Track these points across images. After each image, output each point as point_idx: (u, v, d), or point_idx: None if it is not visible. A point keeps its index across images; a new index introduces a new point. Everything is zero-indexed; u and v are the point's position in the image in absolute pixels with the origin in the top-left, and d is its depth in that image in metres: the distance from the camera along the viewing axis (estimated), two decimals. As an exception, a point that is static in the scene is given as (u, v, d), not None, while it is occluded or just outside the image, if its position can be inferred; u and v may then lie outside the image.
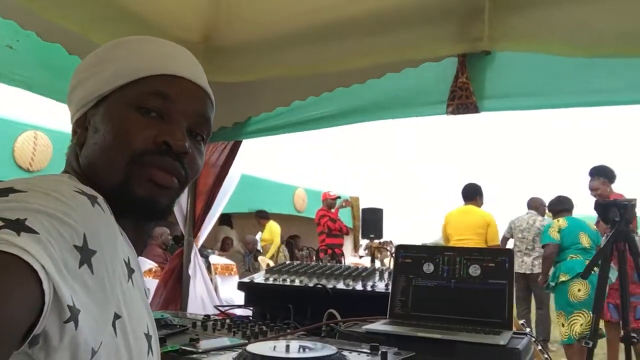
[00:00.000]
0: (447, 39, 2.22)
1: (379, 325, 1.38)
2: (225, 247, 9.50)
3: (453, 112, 2.33)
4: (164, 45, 0.81)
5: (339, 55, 2.40)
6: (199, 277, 2.90)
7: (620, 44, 1.93)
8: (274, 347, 1.05)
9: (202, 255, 8.12)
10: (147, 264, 6.24)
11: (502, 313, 1.42)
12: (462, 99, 2.31)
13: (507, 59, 2.27)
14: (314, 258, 2.04)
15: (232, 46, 2.58)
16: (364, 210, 12.54)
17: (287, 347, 1.06)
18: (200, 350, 1.06)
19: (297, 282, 1.77)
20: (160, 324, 1.39)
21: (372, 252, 14.84)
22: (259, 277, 1.83)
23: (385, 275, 1.84)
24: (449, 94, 2.34)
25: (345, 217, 9.62)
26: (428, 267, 1.55)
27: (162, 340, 1.17)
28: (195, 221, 2.97)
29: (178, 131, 0.74)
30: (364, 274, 1.82)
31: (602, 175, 5.03)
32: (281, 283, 1.76)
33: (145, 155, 0.71)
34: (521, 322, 1.52)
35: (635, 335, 2.10)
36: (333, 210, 7.67)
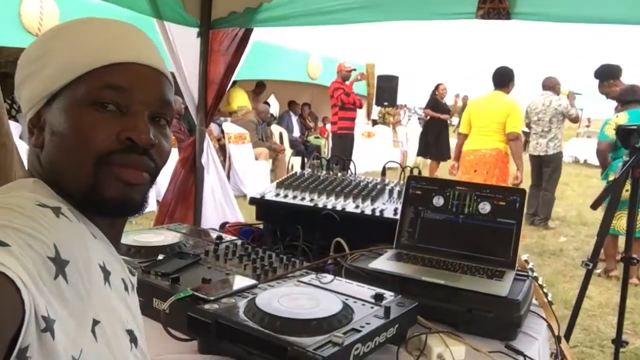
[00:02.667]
0: None
1: (384, 262, 1.42)
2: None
3: (483, 17, 2.17)
4: (107, 29, 0.73)
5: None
6: (212, 167, 2.94)
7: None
8: (283, 298, 1.09)
9: (215, 122, 8.20)
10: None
11: (508, 252, 1.44)
12: (495, 3, 2.13)
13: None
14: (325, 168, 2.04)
15: None
16: (379, 77, 12.33)
17: (295, 298, 1.10)
18: (212, 298, 1.10)
19: (307, 200, 1.79)
20: (175, 251, 1.44)
21: (384, 118, 14.81)
22: (269, 193, 1.84)
23: (395, 193, 1.85)
24: (481, -5, 2.15)
25: (359, 85, 9.45)
26: (438, 201, 1.55)
27: (176, 280, 1.22)
28: (207, 111, 2.93)
29: (140, 123, 0.71)
30: (375, 193, 1.83)
31: (611, 77, 4.72)
32: (291, 201, 1.78)
33: (111, 156, 0.69)
34: (524, 257, 1.55)
35: (635, 256, 2.16)
36: (347, 83, 7.49)
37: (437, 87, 9.50)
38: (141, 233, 1.58)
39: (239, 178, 7.09)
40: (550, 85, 6.40)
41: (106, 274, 0.68)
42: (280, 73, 10.04)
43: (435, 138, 9.31)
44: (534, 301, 1.49)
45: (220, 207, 2.95)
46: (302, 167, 2.13)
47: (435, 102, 9.42)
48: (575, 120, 6.51)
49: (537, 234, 6.21)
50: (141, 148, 0.71)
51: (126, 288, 0.75)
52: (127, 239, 1.50)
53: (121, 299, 0.72)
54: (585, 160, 14.37)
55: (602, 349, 3.20)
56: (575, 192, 9.51)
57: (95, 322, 0.63)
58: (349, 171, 2.13)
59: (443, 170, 8.90)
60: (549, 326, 1.38)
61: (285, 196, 1.82)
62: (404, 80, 13.10)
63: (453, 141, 7.04)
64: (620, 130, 2.12)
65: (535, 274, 1.54)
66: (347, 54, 10.97)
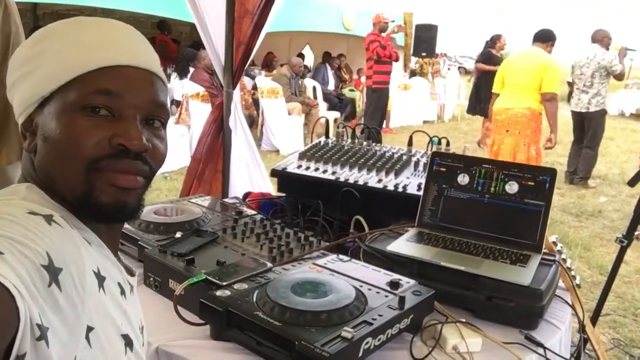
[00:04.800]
0: None
1: (403, 244, 1.38)
2: (268, 64, 9.41)
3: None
4: (98, 30, 0.71)
5: None
6: (240, 129, 2.92)
7: None
8: (294, 286, 1.08)
9: (248, 75, 8.14)
10: (195, 87, 6.32)
11: (534, 235, 1.38)
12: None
13: None
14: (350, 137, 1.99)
15: None
16: (417, 26, 11.91)
17: (306, 287, 1.09)
18: (224, 284, 1.10)
19: (329, 173, 1.75)
20: (193, 227, 1.45)
21: (421, 69, 14.33)
22: (291, 165, 1.81)
23: (421, 166, 1.79)
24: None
25: (396, 35, 9.09)
26: (463, 179, 1.49)
27: (191, 261, 1.22)
28: (234, 72, 2.88)
29: (132, 129, 0.70)
30: (399, 165, 1.78)
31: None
32: (313, 174, 1.75)
33: (103, 161, 0.68)
34: (552, 238, 1.48)
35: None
36: (384, 35, 7.24)
37: (495, 38, 8.44)
38: (160, 206, 1.59)
39: (272, 133, 7.08)
40: (599, 38, 6.04)
41: (100, 280, 0.68)
42: (315, 24, 9.81)
43: (489, 95, 8.54)
44: (560, 284, 1.44)
45: (247, 171, 2.94)
46: (327, 134, 2.08)
47: (489, 56, 8.37)
48: (619, 77, 6.14)
49: (576, 194, 6.02)
50: (133, 153, 0.70)
51: (122, 292, 0.74)
52: (147, 214, 1.51)
53: (116, 304, 0.71)
54: (632, 114, 13.71)
55: (635, 317, 3.13)
56: (619, 149, 9.12)
57: (90, 329, 0.63)
58: (377, 141, 2.07)
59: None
60: (575, 313, 1.33)
61: (307, 168, 1.79)
62: (443, 29, 12.60)
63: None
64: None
65: (563, 256, 1.48)
66: (383, 3, 10.55)
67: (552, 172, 1.41)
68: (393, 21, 7.49)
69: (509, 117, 4.73)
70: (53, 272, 0.57)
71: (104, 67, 0.69)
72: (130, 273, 0.81)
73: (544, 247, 1.39)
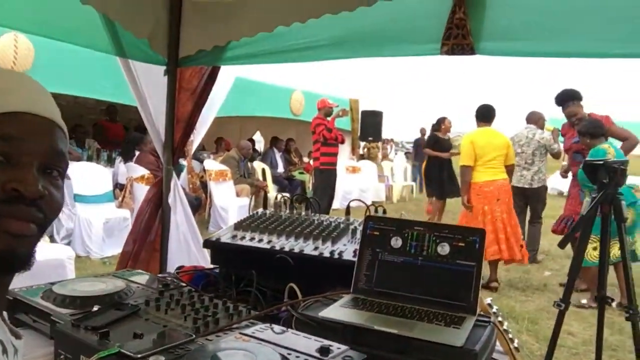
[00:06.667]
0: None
1: (336, 310, 1.34)
2: (217, 148, 9.49)
3: (447, 53, 2.14)
4: (0, 79, 0.71)
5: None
6: (179, 207, 2.86)
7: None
8: (215, 356, 1.01)
9: (197, 159, 8.14)
10: (140, 170, 6.24)
11: (468, 297, 1.37)
12: (459, 39, 2.11)
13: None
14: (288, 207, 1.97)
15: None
16: (363, 112, 12.43)
17: (229, 356, 1.01)
18: (139, 356, 1.01)
19: (264, 242, 1.71)
20: (113, 300, 1.35)
21: (369, 153, 14.78)
22: (225, 235, 1.76)
23: (359, 233, 1.77)
24: (444, 33, 2.14)
25: (342, 119, 9.43)
26: (396, 242, 1.48)
27: (105, 335, 1.12)
28: (174, 149, 2.87)
29: (28, 175, 0.67)
30: (336, 233, 1.76)
31: (573, 98, 5.12)
32: (246, 244, 1.70)
33: None
34: (488, 300, 1.47)
35: (610, 296, 2.09)
36: (329, 119, 7.50)
37: (440, 121, 8.86)
38: (82, 281, 1.49)
39: (220, 215, 6.99)
40: (535, 119, 6.50)
41: None
42: (265, 110, 10.07)
43: (439, 176, 8.62)
44: (498, 348, 1.41)
45: (187, 249, 2.85)
46: (265, 206, 2.06)
47: (436, 139, 8.77)
48: (557, 155, 6.60)
49: (522, 269, 6.13)
50: (28, 199, 0.67)
51: (5, 351, 0.67)
52: (65, 288, 1.41)
53: None
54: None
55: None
56: (560, 225, 9.47)
57: None
58: (316, 212, 2.06)
59: (454, 207, 8.69)
60: (514, 376, 1.29)
61: (243, 238, 1.74)
62: (389, 115, 13.18)
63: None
64: (587, 166, 2.08)
65: (499, 319, 1.46)
66: (330, 89, 11.03)
67: (480, 232, 1.42)
68: (337, 106, 7.79)
69: (498, 188, 5.31)
70: None
71: (3, 112, 0.68)
72: (16, 335, 0.73)
73: (478, 308, 1.37)
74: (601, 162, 1.96)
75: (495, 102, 5.78)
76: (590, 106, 5.47)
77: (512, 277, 5.80)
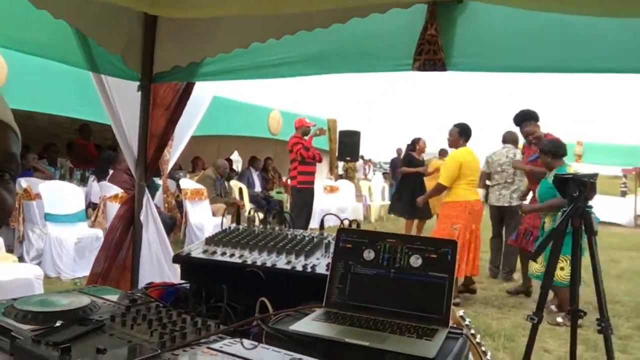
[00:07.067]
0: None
1: (308, 323, 1.32)
2: (194, 167, 9.42)
3: (419, 68, 2.17)
4: None
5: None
6: (152, 224, 2.81)
7: (605, 1, 1.76)
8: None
9: (172, 178, 8.05)
10: (113, 189, 6.14)
11: (440, 308, 1.36)
12: (430, 55, 2.15)
13: (479, 12, 2.08)
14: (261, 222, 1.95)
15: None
16: (341, 132, 12.49)
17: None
18: (100, 372, 0.98)
19: (236, 257, 1.68)
20: (77, 316, 1.31)
21: (347, 173, 14.85)
22: (196, 250, 1.73)
23: (332, 247, 1.76)
24: (416, 48, 2.17)
25: (320, 139, 9.47)
26: (369, 254, 1.47)
27: (66, 350, 1.08)
28: (147, 165, 2.83)
29: None
30: (310, 247, 1.74)
31: (530, 119, 5.36)
32: (217, 258, 1.67)
33: None
34: (460, 313, 1.47)
35: (582, 310, 2.10)
36: (307, 138, 7.51)
37: (415, 142, 8.98)
38: (45, 297, 1.44)
39: (195, 235, 6.90)
40: (512, 139, 6.63)
41: None
42: (242, 129, 10.05)
43: (411, 197, 8.43)
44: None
45: (159, 268, 2.79)
46: (237, 220, 2.04)
47: (410, 159, 8.91)
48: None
49: (497, 287, 6.17)
50: None
51: None
52: (27, 303, 1.36)
53: None
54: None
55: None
56: (535, 243, 9.58)
57: None
58: (290, 227, 2.04)
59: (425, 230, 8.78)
60: (486, 389, 1.28)
61: (214, 253, 1.71)
62: (368, 135, 13.26)
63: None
64: (557, 180, 2.12)
65: (472, 331, 1.45)
66: (308, 109, 11.08)
67: (452, 244, 1.42)
68: (315, 125, 7.82)
69: (480, 207, 5.58)
70: None
71: None
72: None
73: (451, 321, 1.36)
74: (570, 176, 2.00)
75: (468, 120, 5.90)
76: (553, 127, 5.75)
77: (487, 295, 5.83)
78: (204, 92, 7.47)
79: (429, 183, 8.25)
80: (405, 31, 2.20)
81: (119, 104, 2.72)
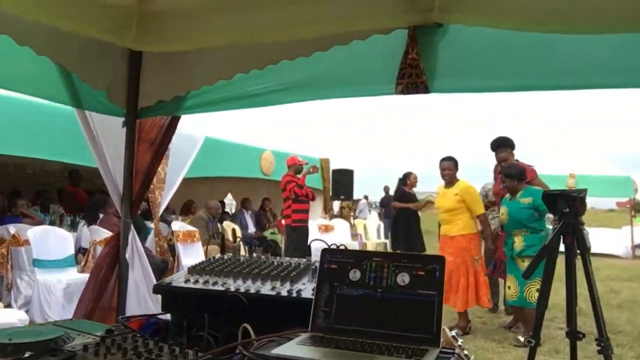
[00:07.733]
0: (396, 9, 2.04)
1: (291, 347, 1.25)
2: (186, 209, 9.33)
3: (402, 92, 2.17)
4: None
5: (282, 23, 2.20)
6: (137, 262, 2.74)
7: (577, 19, 1.78)
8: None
9: (164, 221, 7.97)
10: (104, 233, 6.04)
11: (431, 327, 1.30)
12: (412, 78, 2.15)
13: (460, 34, 2.10)
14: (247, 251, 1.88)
15: (168, 10, 2.35)
16: (334, 171, 12.52)
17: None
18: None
19: (219, 285, 1.62)
20: (48, 347, 1.24)
21: (342, 212, 14.79)
22: (178, 279, 1.67)
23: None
24: (398, 72, 2.17)
25: (313, 178, 9.47)
26: (354, 274, 1.42)
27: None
28: (133, 201, 2.78)
29: None
30: (295, 273, 1.68)
31: (506, 146, 5.47)
32: (199, 287, 1.61)
33: None
34: (452, 333, 1.41)
35: (580, 332, 2.03)
36: (300, 176, 7.50)
37: (406, 176, 8.96)
38: (17, 329, 1.37)
39: (188, 277, 6.76)
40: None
41: None
42: (234, 170, 10.04)
43: (407, 232, 8.54)
44: (466, 383, 1.33)
45: (147, 308, 2.70)
46: (222, 250, 1.98)
47: (402, 193, 8.86)
48: None
49: (497, 321, 6.05)
50: None
51: None
52: (1, 335, 1.29)
53: None
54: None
55: None
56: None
57: None
58: (276, 256, 1.99)
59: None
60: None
61: (196, 282, 1.65)
62: (363, 174, 13.28)
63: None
64: (546, 197, 2.09)
65: (465, 352, 1.39)
66: (300, 149, 11.13)
67: (440, 260, 1.38)
68: (307, 163, 7.83)
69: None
70: None
71: None
72: None
73: (442, 340, 1.30)
74: (559, 192, 1.97)
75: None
76: (530, 159, 5.86)
77: (487, 330, 5.70)
78: (196, 134, 7.50)
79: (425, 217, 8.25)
80: (387, 56, 2.21)
81: (103, 141, 2.69)
